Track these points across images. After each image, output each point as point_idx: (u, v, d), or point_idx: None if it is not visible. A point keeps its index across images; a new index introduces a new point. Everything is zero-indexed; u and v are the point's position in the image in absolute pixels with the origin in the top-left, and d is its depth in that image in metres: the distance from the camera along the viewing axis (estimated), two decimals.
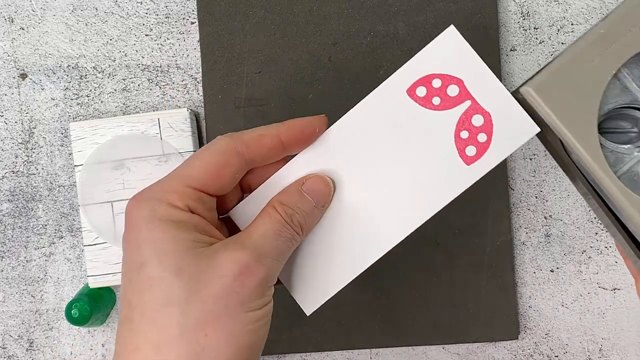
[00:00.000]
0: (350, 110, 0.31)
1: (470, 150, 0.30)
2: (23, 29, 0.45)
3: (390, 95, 0.30)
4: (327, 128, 0.31)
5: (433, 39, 0.30)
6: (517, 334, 0.43)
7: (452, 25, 0.30)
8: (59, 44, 0.45)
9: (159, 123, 0.42)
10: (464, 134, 0.30)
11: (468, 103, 0.30)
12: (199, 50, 0.44)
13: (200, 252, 0.27)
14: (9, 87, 0.45)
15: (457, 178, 0.30)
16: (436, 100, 0.30)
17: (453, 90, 0.30)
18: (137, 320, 0.27)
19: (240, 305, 0.27)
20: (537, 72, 0.30)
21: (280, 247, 0.29)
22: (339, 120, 0.31)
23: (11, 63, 0.45)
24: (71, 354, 0.44)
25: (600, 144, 0.29)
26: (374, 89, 0.31)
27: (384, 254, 0.31)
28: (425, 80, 0.30)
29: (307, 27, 0.43)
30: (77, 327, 0.42)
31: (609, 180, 0.29)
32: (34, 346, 0.44)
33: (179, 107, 0.44)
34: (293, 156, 0.32)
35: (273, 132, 0.30)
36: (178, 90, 0.44)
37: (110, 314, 0.44)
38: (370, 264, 0.31)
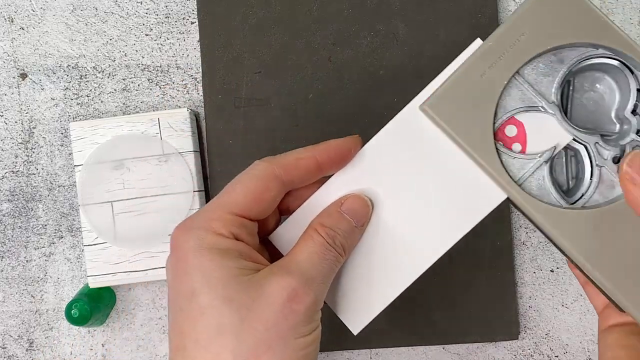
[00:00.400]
0: (383, 128, 0.32)
1: None
2: (23, 29, 0.45)
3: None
4: (362, 146, 0.32)
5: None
6: (517, 334, 0.43)
7: (478, 38, 0.31)
8: (59, 44, 0.45)
9: (159, 123, 0.42)
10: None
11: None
12: (199, 50, 0.44)
13: (248, 280, 0.28)
14: (9, 87, 0.45)
15: (490, 195, 0.31)
16: None
17: None
18: (190, 348, 0.27)
19: (290, 332, 0.28)
20: (436, 90, 0.31)
21: (325, 270, 0.30)
22: (373, 138, 0.32)
23: (11, 63, 0.45)
24: (71, 354, 0.44)
25: (500, 151, 0.30)
26: (407, 103, 0.32)
27: (424, 271, 0.32)
28: None
29: (307, 27, 0.43)
30: (77, 327, 0.42)
31: (507, 186, 0.31)
32: (34, 346, 0.44)
33: (179, 107, 0.44)
34: (329, 177, 0.32)
35: (309, 154, 0.31)
36: (178, 90, 0.44)
37: (110, 314, 0.44)
38: (412, 280, 0.32)
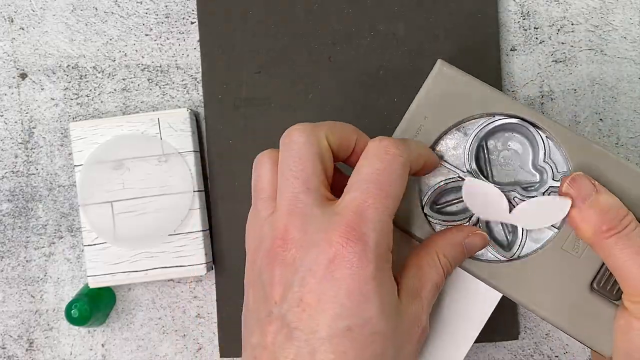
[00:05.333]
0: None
1: None
2: (23, 29, 0.45)
3: None
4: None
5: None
6: (517, 334, 0.43)
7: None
8: (59, 44, 0.45)
9: (159, 123, 0.42)
10: None
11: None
12: (199, 50, 0.44)
13: (398, 308, 0.29)
14: (9, 87, 0.45)
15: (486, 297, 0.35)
16: None
17: None
18: None
19: None
20: None
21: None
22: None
23: (11, 63, 0.45)
24: (71, 354, 0.44)
25: (430, 221, 0.34)
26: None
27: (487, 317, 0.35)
28: None
29: (307, 27, 0.43)
30: (77, 327, 0.42)
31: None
32: (33, 346, 0.44)
33: (179, 107, 0.44)
34: None
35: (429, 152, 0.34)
36: (178, 90, 0.44)
37: (110, 314, 0.44)
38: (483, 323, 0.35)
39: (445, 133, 0.34)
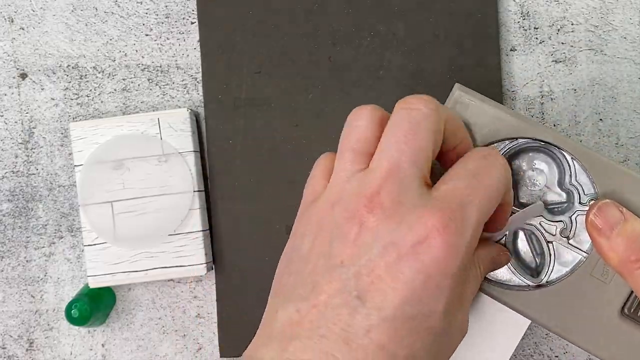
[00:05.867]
0: None
1: None
2: (23, 29, 0.45)
3: None
4: None
5: None
6: None
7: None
8: (59, 44, 0.45)
9: (159, 123, 0.42)
10: None
11: None
12: (199, 50, 0.44)
13: (456, 310, 0.29)
14: (9, 87, 0.45)
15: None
16: None
17: None
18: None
19: None
20: None
21: None
22: None
23: (11, 63, 0.45)
24: (71, 354, 0.44)
25: None
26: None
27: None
28: None
29: (307, 27, 0.43)
30: (77, 327, 0.42)
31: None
32: (33, 346, 0.44)
33: (179, 107, 0.44)
34: None
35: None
36: (178, 90, 0.44)
37: (110, 314, 0.44)
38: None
39: None
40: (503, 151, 0.33)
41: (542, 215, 0.33)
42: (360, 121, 0.29)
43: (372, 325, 0.25)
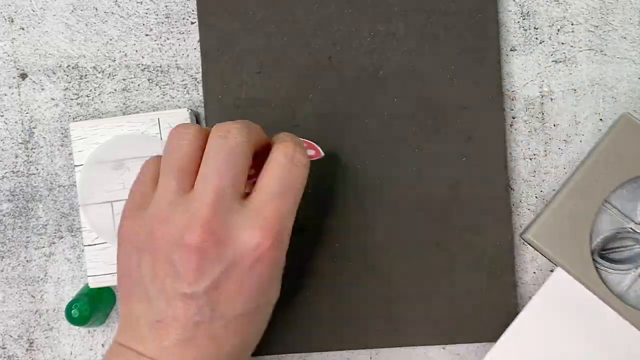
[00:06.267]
0: (530, 302, 0.39)
1: None
2: (23, 29, 0.45)
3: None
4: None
5: None
6: None
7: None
8: (59, 44, 0.45)
9: (159, 123, 0.42)
10: None
11: None
12: (199, 50, 0.44)
13: None
14: (9, 87, 0.45)
15: None
16: None
17: None
18: None
19: None
20: (536, 218, 0.38)
21: None
22: (522, 312, 0.39)
23: (11, 63, 0.45)
24: (71, 354, 0.44)
25: (598, 267, 0.36)
26: None
27: None
28: None
29: (307, 27, 0.43)
30: (77, 327, 0.42)
31: (609, 300, 0.35)
32: (33, 346, 0.44)
33: (179, 107, 0.44)
34: None
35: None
36: (178, 90, 0.44)
37: (110, 314, 0.44)
38: None
39: (622, 184, 0.36)
40: None
41: None
42: (183, 141, 0.33)
43: (229, 323, 0.32)
